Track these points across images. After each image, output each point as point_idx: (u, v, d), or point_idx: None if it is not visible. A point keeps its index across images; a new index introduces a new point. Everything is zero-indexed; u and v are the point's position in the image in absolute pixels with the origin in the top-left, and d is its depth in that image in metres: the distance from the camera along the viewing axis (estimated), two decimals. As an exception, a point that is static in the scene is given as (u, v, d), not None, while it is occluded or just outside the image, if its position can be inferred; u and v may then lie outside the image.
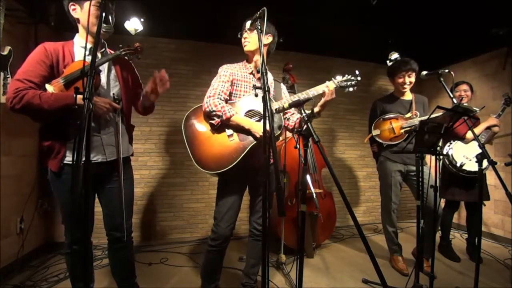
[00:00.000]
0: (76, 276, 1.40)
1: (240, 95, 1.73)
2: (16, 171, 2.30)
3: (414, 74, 2.33)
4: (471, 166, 2.39)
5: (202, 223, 3.20)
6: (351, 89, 1.71)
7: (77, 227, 0.96)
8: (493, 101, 3.17)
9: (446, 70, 1.84)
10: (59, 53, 1.38)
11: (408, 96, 2.43)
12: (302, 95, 1.63)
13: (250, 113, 1.69)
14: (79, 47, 1.45)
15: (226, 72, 1.73)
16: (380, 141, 2.38)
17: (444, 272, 2.33)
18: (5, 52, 1.97)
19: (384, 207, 2.49)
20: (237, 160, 1.58)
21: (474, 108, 2.48)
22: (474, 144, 2.43)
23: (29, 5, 2.30)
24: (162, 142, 3.14)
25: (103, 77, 1.48)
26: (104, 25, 1.35)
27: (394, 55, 2.50)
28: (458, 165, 2.42)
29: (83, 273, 1.00)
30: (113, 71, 1.55)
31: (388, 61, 2.53)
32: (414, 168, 2.31)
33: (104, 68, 1.49)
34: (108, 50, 1.57)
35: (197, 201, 3.21)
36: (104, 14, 1.13)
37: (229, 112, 1.59)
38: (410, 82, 2.34)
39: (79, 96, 1.06)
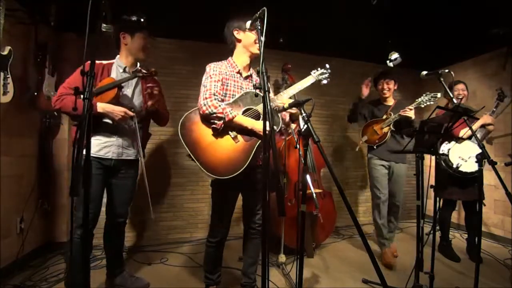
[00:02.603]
0: (74, 269, 1.65)
1: (231, 95, 1.71)
2: (16, 171, 2.30)
3: (393, 81, 2.68)
4: (467, 167, 2.41)
5: (202, 223, 3.20)
6: (325, 81, 1.81)
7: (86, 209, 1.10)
8: (493, 101, 3.16)
9: (446, 70, 1.84)
10: (98, 71, 1.74)
11: (390, 102, 2.75)
12: (290, 90, 1.71)
13: (249, 113, 1.67)
14: (117, 66, 1.84)
15: (215, 71, 1.70)
16: (370, 145, 2.71)
17: (444, 272, 2.33)
18: (5, 52, 1.96)
19: (373, 199, 2.70)
20: (249, 161, 1.57)
21: (473, 108, 2.49)
22: (470, 144, 2.46)
23: (29, 5, 2.29)
24: (162, 142, 3.13)
25: (129, 91, 1.84)
26: (104, 25, 1.38)
27: (394, 55, 2.49)
28: (454, 166, 2.43)
29: (82, 258, 1.12)
30: (139, 86, 1.88)
31: (388, 61, 2.53)
32: (395, 165, 2.62)
33: (132, 83, 1.85)
34: (140, 68, 1.90)
35: (197, 201, 3.21)
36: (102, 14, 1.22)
37: (231, 113, 1.57)
38: (389, 88, 2.68)
39: (100, 105, 1.64)
